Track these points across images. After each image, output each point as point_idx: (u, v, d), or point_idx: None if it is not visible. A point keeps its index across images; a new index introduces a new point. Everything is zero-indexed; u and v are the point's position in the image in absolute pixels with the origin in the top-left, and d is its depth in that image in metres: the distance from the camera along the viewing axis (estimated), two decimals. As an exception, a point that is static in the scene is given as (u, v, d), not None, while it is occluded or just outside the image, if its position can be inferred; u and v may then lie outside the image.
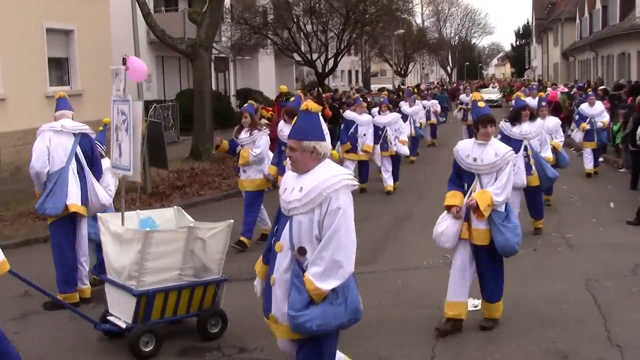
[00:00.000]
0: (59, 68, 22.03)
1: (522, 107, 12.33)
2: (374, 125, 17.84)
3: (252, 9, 38.78)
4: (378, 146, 17.80)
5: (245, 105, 12.95)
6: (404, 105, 24.26)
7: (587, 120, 19.30)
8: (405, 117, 22.50)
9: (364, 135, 17.56)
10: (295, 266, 5.23)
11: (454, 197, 7.95)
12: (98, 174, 9.54)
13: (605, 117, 19.53)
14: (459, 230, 7.87)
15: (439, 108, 30.41)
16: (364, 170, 18.05)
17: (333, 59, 40.14)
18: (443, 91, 48.61)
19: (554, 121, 14.86)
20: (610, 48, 41.04)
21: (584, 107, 19.83)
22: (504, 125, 12.15)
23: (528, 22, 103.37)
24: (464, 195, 7.92)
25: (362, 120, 17.64)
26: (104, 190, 9.60)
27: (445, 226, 7.96)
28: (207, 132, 23.25)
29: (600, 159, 20.74)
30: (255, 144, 11.92)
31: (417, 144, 24.67)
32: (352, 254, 5.21)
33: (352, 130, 17.59)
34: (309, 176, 5.33)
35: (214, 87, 32.61)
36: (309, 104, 5.54)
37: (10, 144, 18.66)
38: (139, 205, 15.67)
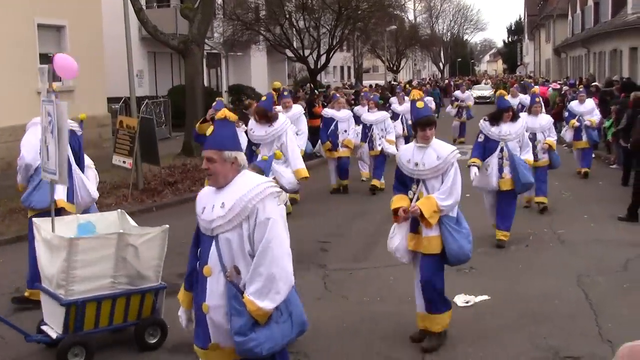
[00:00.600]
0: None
1: (506, 108, 11.52)
2: (362, 123, 17.55)
3: (244, 5, 38.68)
4: (366, 144, 17.40)
5: (214, 103, 12.48)
6: (394, 104, 23.22)
7: (576, 117, 18.54)
8: (396, 116, 21.91)
9: (345, 131, 17.20)
10: (230, 288, 4.79)
11: (400, 200, 7.49)
12: (82, 171, 9.47)
13: (596, 116, 18.82)
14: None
15: (433, 106, 28.94)
16: (342, 167, 17.36)
17: (325, 55, 40.09)
18: (435, 87, 48.69)
19: (546, 119, 14.24)
20: (602, 45, 41.08)
21: (574, 104, 19.15)
22: (483, 123, 11.56)
23: (520, 19, 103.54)
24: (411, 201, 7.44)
25: (341, 117, 17.30)
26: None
27: (398, 241, 7.59)
28: (199, 129, 23.22)
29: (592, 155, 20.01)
30: None
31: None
32: (288, 266, 4.83)
33: (332, 127, 17.22)
34: (229, 189, 4.93)
35: (206, 83, 32.59)
36: (226, 112, 5.15)
37: (1, 140, 18.58)
38: (131, 201, 15.69)
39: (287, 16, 38.04)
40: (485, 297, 8.92)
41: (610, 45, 38.75)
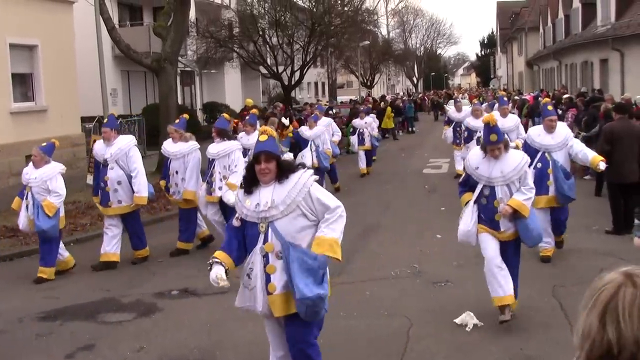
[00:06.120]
0: (23, 84, 21.86)
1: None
2: (209, 159, 12.77)
3: (217, 23, 38.75)
4: (203, 188, 12.77)
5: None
6: (304, 128, 19.19)
7: (538, 157, 11.08)
8: (305, 142, 18.29)
9: (177, 173, 12.92)
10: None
11: None
12: None
13: (581, 154, 11.12)
14: None
15: (375, 130, 24.50)
16: (184, 221, 13.22)
17: (299, 71, 40.20)
18: (410, 102, 48.88)
19: (512, 162, 8.33)
20: (573, 57, 41.51)
21: (535, 133, 11.45)
22: None
23: (492, 32, 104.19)
24: None
25: (173, 152, 12.98)
26: None
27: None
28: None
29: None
30: None
31: (335, 172, 19.71)
32: None
33: (167, 165, 13.28)
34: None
35: (180, 101, 32.58)
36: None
37: (-26, 160, 18.51)
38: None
39: (261, 33, 38.11)
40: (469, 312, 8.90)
41: (581, 57, 39.17)
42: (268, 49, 39.89)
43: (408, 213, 15.85)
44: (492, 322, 8.48)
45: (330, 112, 31.05)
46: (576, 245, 12.22)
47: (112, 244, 12.17)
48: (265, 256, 5.91)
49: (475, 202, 8.42)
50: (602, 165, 10.85)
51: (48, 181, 11.25)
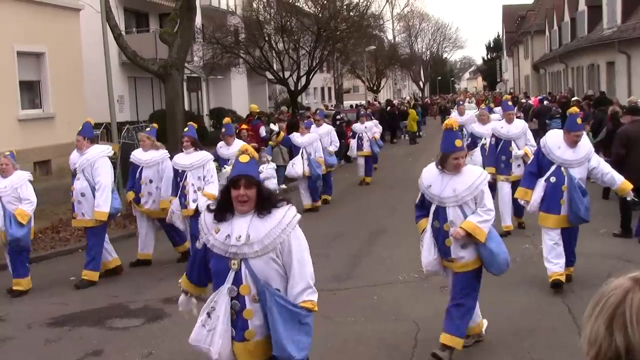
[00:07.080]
0: (31, 91, 21.95)
1: None
2: (174, 169, 12.30)
3: (223, 29, 38.77)
4: (176, 200, 12.08)
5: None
6: (295, 135, 18.43)
7: (552, 170, 9.80)
8: (296, 150, 17.85)
9: (150, 181, 12.62)
10: None
11: None
12: None
13: (607, 177, 9.87)
14: None
15: (373, 133, 23.38)
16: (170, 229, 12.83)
17: (305, 76, 40.19)
18: (418, 106, 48.88)
19: (470, 179, 7.49)
20: (580, 60, 41.47)
21: (554, 144, 9.80)
22: None
23: (498, 36, 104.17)
24: None
25: (146, 160, 12.75)
26: None
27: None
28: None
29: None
30: None
31: (329, 183, 19.07)
32: None
33: (137, 175, 12.82)
34: None
35: (186, 107, 32.60)
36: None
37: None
38: (114, 227, 15.61)
39: (267, 38, 38.13)
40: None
41: (587, 60, 39.13)
42: (274, 54, 39.89)
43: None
44: (499, 326, 8.48)
45: (338, 117, 30.95)
46: (584, 249, 12.16)
47: (108, 252, 12.07)
48: (239, 299, 4.94)
49: (431, 226, 7.60)
50: (630, 196, 9.97)
51: (19, 188, 11.03)
